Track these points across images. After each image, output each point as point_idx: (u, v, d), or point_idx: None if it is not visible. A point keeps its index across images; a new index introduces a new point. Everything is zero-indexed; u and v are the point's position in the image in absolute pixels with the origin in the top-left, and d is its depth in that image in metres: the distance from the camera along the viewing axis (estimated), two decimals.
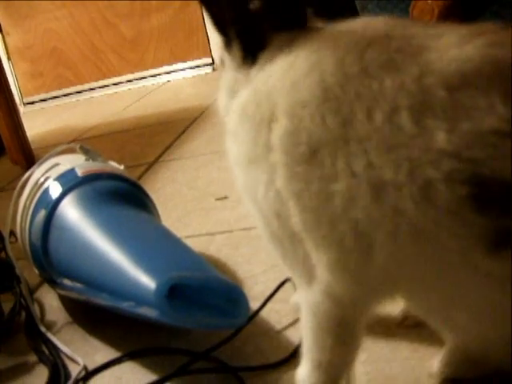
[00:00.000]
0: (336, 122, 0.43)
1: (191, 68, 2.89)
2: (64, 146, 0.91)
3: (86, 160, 0.87)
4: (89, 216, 0.75)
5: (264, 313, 0.73)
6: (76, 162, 0.85)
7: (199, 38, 2.90)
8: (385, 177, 0.40)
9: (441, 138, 0.39)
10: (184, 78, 2.85)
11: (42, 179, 0.84)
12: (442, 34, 0.44)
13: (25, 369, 0.75)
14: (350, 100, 0.43)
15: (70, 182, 0.80)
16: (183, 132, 1.75)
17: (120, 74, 3.02)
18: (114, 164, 0.90)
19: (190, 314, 0.61)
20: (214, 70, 2.80)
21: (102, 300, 0.71)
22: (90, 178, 0.81)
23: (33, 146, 1.88)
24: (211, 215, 1.08)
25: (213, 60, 2.82)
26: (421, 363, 0.59)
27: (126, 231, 0.71)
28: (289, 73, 0.47)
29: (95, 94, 3.02)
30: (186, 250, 0.70)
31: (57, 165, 0.85)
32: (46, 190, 0.82)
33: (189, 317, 0.61)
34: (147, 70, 2.98)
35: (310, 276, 0.48)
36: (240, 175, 0.50)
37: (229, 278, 0.83)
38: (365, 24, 0.49)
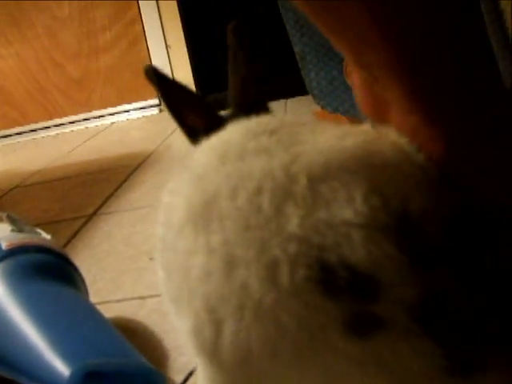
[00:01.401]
0: (201, 199, 0.44)
1: (137, 109, 2.91)
2: None
3: (12, 231, 0.87)
4: (10, 293, 0.75)
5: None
6: (1, 234, 0.85)
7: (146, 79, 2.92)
8: (237, 253, 0.41)
9: (293, 223, 0.40)
10: (130, 120, 2.86)
11: None
12: (325, 130, 0.46)
13: None
14: (218, 180, 0.44)
15: None
16: (124, 181, 1.75)
17: (67, 115, 3.01)
18: (41, 233, 0.90)
19: None
20: (160, 111, 2.82)
21: (22, 382, 0.71)
22: (15, 252, 0.81)
23: None
24: (144, 276, 1.08)
25: (160, 101, 2.84)
26: None
27: (48, 310, 0.71)
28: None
29: (41, 134, 3.01)
30: (107, 331, 0.71)
31: None
32: None
33: None
34: (93, 111, 2.99)
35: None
36: None
37: (154, 348, 0.84)
38: (258, 120, 0.51)
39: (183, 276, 0.45)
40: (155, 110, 2.84)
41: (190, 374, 0.74)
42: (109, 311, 0.92)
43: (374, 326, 0.39)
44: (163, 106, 2.76)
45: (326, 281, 0.38)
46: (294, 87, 2.29)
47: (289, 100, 2.42)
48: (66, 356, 0.63)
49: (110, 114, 2.94)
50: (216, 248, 0.42)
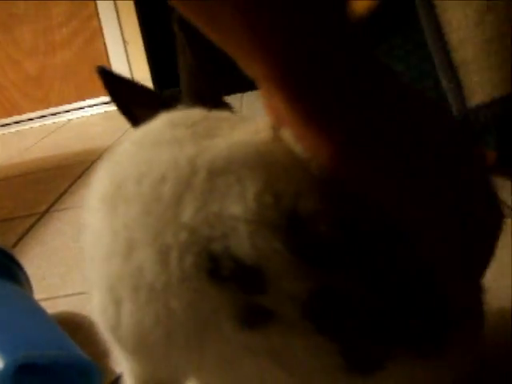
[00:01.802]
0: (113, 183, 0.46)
1: (95, 105, 2.90)
2: None
3: None
4: None
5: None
6: None
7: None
8: (136, 236, 0.43)
9: (188, 213, 0.41)
10: (88, 116, 2.86)
11: None
12: (245, 125, 0.48)
13: None
14: (130, 166, 0.46)
15: None
16: (79, 177, 1.76)
17: (24, 112, 2.99)
18: None
19: None
20: None
21: None
22: None
23: None
24: None
25: None
26: None
27: None
28: None
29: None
30: (45, 325, 0.72)
31: None
32: None
33: None
34: (51, 107, 2.97)
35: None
36: None
37: (98, 341, 0.86)
38: (184, 112, 0.53)
39: (92, 256, 0.47)
40: (113, 106, 2.84)
41: None
42: (56, 306, 0.93)
43: (264, 318, 0.40)
44: None
45: (213, 269, 0.40)
46: (250, 81, 2.30)
47: (245, 94, 2.43)
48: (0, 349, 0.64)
49: (68, 111, 2.93)
50: (119, 230, 0.44)
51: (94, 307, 0.49)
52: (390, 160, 0.41)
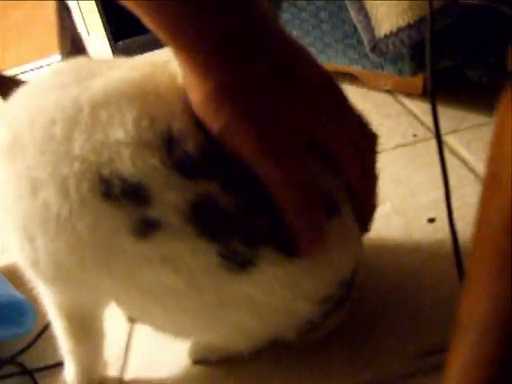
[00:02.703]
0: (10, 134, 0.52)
1: (52, 63, 2.89)
2: None
3: None
4: None
5: None
6: None
7: None
8: (38, 175, 0.49)
9: (77, 146, 0.48)
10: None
11: None
12: (122, 64, 0.54)
13: None
14: (22, 115, 0.52)
15: None
16: None
17: None
18: None
19: None
20: None
21: None
22: None
23: None
24: None
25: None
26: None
27: None
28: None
29: None
30: None
31: None
32: None
33: None
34: (11, 68, 2.96)
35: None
36: None
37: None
38: (67, 62, 0.59)
39: (3, 204, 0.52)
40: None
41: None
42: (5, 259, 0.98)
43: (152, 228, 0.47)
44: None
45: (105, 191, 0.47)
46: None
47: None
48: None
49: (23, 72, 2.92)
50: (21, 174, 0.50)
51: (13, 250, 0.54)
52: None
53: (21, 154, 0.51)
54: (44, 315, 0.77)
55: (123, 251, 0.48)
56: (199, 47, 0.46)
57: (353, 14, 0.94)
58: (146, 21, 0.46)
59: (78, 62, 0.57)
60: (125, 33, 2.52)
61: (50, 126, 0.50)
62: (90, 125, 0.48)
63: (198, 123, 0.48)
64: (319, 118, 0.49)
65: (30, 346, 0.76)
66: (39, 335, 0.77)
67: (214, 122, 0.47)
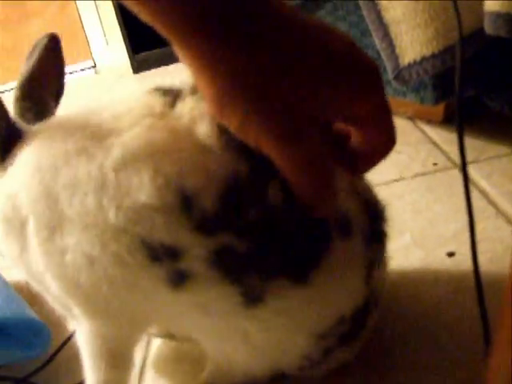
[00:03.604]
0: (53, 208, 0.52)
1: (72, 72, 2.91)
2: None
3: None
4: None
5: None
6: None
7: (79, 42, 2.93)
8: (88, 251, 0.51)
9: (112, 215, 0.49)
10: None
11: None
12: (122, 115, 0.53)
13: None
14: (59, 189, 0.52)
15: None
16: None
17: (1, 83, 3.01)
18: None
19: None
20: (95, 73, 2.84)
21: None
22: None
23: None
24: None
25: (94, 63, 2.85)
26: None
27: None
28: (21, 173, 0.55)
29: None
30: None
31: None
32: None
33: None
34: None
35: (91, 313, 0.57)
36: None
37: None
38: (73, 115, 0.57)
39: (63, 270, 0.53)
40: (90, 72, 2.86)
41: None
42: (15, 274, 0.98)
43: (184, 279, 0.50)
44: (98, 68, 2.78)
45: (153, 255, 0.50)
46: None
47: None
48: None
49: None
50: (74, 247, 0.52)
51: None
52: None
53: (69, 228, 0.52)
54: (57, 336, 0.77)
55: (161, 300, 0.53)
56: (200, 41, 0.45)
57: (377, 41, 0.93)
58: (148, 19, 0.46)
59: (78, 115, 0.57)
60: (144, 45, 2.54)
61: (84, 198, 0.51)
62: (116, 190, 0.50)
63: (208, 179, 0.49)
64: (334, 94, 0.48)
65: (43, 366, 0.76)
66: (53, 356, 0.76)
67: (232, 118, 0.47)
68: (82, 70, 2.89)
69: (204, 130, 0.51)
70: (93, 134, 0.53)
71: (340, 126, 0.53)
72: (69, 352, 0.79)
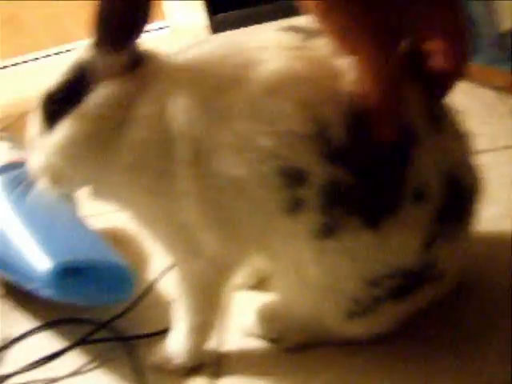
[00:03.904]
0: (206, 133, 0.55)
1: (148, 31, 2.93)
2: None
3: (9, 148, 0.95)
4: (5, 203, 0.84)
5: (160, 285, 0.84)
6: None
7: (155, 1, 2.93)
8: (237, 174, 0.55)
9: (263, 140, 0.53)
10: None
11: None
12: (267, 45, 0.56)
13: None
14: (214, 115, 0.55)
15: None
16: None
17: (77, 40, 3.04)
18: None
19: (83, 292, 0.70)
20: (171, 32, 2.84)
21: (16, 281, 0.81)
22: (10, 167, 0.89)
23: None
24: None
25: (170, 23, 2.85)
26: None
27: (34, 215, 0.80)
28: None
29: (54, 59, 3.06)
30: (87, 234, 0.80)
31: None
32: None
33: (82, 295, 0.71)
34: None
35: (194, 252, 0.60)
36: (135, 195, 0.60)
37: (137, 253, 0.93)
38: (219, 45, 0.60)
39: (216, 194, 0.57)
40: (166, 31, 2.86)
41: (162, 273, 0.84)
42: (102, 222, 1.00)
43: (298, 206, 0.55)
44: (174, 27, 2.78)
45: (286, 179, 0.54)
46: (287, 8, 2.28)
47: (299, 18, 2.40)
48: (45, 254, 0.72)
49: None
50: (221, 172, 0.56)
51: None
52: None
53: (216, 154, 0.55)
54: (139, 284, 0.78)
55: (280, 224, 0.56)
56: None
57: (474, 6, 0.90)
58: None
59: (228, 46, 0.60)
60: (223, 6, 2.53)
61: (237, 123, 0.54)
62: (266, 116, 0.53)
63: (342, 106, 0.52)
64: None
65: (124, 312, 0.77)
66: (135, 302, 0.78)
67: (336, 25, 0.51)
68: (159, 28, 2.90)
69: (345, 62, 0.53)
70: (242, 63, 0.56)
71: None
72: (150, 300, 0.80)
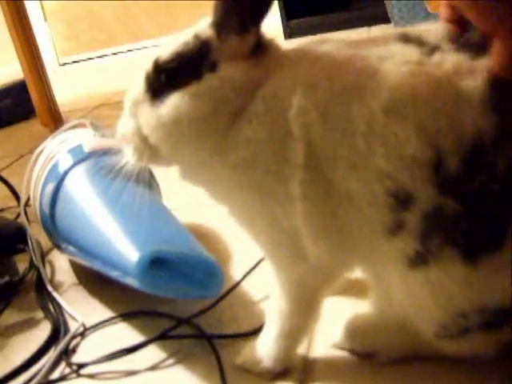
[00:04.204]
0: (323, 140, 0.53)
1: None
2: (75, 122, 0.98)
3: (95, 136, 0.94)
4: (90, 189, 0.83)
5: (245, 284, 0.80)
6: (84, 138, 0.92)
7: None
8: (351, 187, 0.53)
9: (380, 160, 0.51)
10: None
11: (52, 153, 0.91)
12: (388, 56, 0.52)
13: (31, 323, 0.84)
14: (333, 122, 0.52)
15: (77, 157, 0.88)
16: None
17: (153, 37, 3.07)
18: None
19: (169, 284, 0.68)
20: None
21: (97, 267, 0.79)
22: (97, 154, 0.88)
23: (64, 109, 1.97)
24: None
25: None
26: None
27: (122, 205, 0.77)
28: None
29: (127, 56, 3.10)
30: (175, 227, 0.77)
31: (67, 140, 0.93)
32: (56, 163, 0.89)
33: (168, 287, 0.68)
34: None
35: (297, 257, 0.58)
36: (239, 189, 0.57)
37: (221, 250, 0.90)
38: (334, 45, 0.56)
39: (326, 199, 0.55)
40: None
41: (249, 272, 0.81)
42: (183, 216, 0.98)
43: (398, 228, 0.53)
44: None
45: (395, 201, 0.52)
46: (379, 14, 2.25)
47: (372, 28, 2.38)
48: (134, 244, 0.70)
49: None
50: (336, 182, 0.54)
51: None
52: None
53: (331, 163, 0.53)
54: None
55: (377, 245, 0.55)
56: None
57: None
58: None
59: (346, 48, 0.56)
60: (298, 12, 2.51)
61: (354, 137, 0.52)
62: (384, 136, 0.51)
63: (462, 136, 0.49)
64: None
65: (208, 309, 0.74)
66: (218, 300, 0.75)
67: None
68: None
69: (471, 84, 0.50)
70: (361, 72, 0.52)
71: None
72: (234, 298, 0.77)
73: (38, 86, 1.89)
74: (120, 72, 2.78)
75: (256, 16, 0.54)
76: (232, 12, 0.54)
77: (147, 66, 0.57)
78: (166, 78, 0.55)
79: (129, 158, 0.59)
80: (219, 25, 0.55)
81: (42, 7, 3.20)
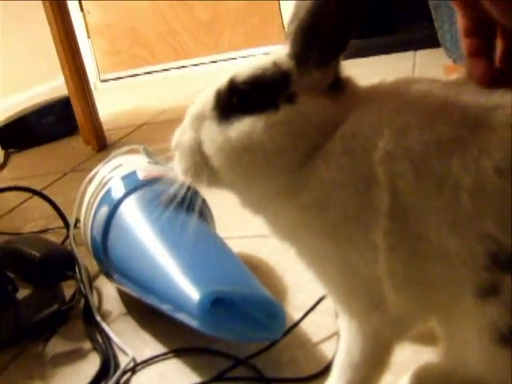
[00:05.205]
0: (413, 192, 0.49)
1: (266, 53, 2.92)
2: (128, 147, 0.96)
3: (149, 163, 0.92)
4: (146, 219, 0.80)
5: (304, 324, 0.77)
6: (138, 165, 0.90)
7: (274, 24, 2.92)
8: (442, 244, 0.49)
9: (490, 224, 0.47)
10: None
11: (106, 178, 0.89)
12: (496, 106, 0.49)
13: (79, 355, 0.82)
14: (427, 175, 0.48)
15: (132, 185, 0.86)
16: None
17: (194, 56, 3.07)
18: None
19: (228, 325, 0.65)
20: None
21: (150, 301, 0.76)
22: (151, 182, 0.86)
23: (106, 127, 1.96)
24: None
25: None
26: None
27: (179, 238, 0.75)
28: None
29: (169, 74, 3.10)
30: (234, 262, 0.74)
31: (120, 166, 0.91)
32: (109, 190, 0.87)
33: (227, 328, 0.65)
34: (221, 53, 3.03)
35: (374, 306, 0.54)
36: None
37: (275, 284, 0.87)
38: (423, 89, 0.52)
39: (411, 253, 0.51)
40: None
41: (309, 311, 0.77)
42: (232, 246, 0.95)
43: (491, 294, 0.49)
44: None
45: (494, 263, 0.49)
46: (425, 38, 2.21)
47: (418, 52, 2.34)
48: (195, 282, 0.67)
49: (241, 57, 2.95)
50: (424, 238, 0.50)
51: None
52: None
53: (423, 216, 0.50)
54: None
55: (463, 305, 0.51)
56: None
57: None
58: None
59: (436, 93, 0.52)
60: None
61: (457, 194, 0.48)
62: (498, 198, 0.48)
63: None
64: None
65: (266, 349, 0.71)
66: (277, 340, 0.72)
67: None
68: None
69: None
70: (461, 121, 0.48)
71: None
72: (292, 339, 0.74)
73: (82, 103, 1.88)
74: (162, 90, 2.78)
75: (336, 48, 0.51)
76: (313, 44, 0.51)
77: (220, 83, 0.53)
78: (238, 100, 0.52)
79: (181, 174, 0.55)
80: (299, 56, 0.51)
81: (86, 24, 3.23)
